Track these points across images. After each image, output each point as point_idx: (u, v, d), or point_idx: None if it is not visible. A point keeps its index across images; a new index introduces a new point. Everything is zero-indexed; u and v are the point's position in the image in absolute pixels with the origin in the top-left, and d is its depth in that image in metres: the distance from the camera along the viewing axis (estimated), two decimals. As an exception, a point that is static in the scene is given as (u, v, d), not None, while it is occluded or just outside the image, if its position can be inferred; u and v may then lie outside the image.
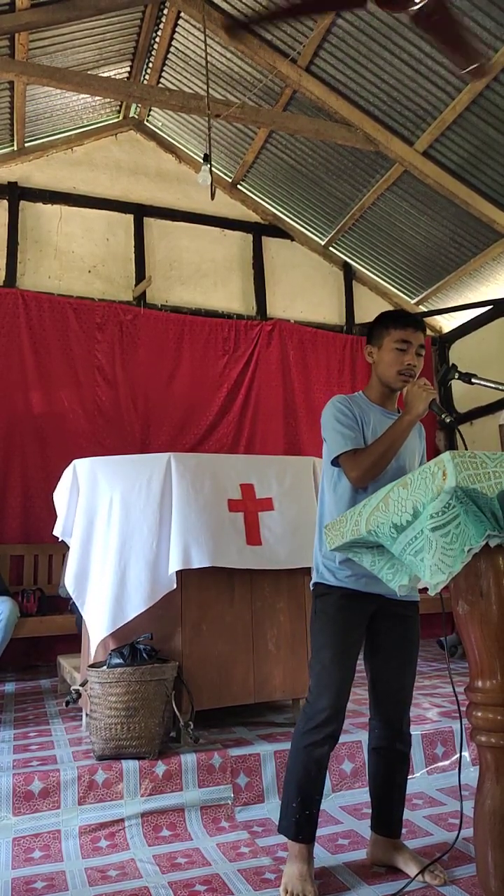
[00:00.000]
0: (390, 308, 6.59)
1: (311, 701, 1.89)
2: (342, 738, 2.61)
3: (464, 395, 6.29)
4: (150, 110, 5.86)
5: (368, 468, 1.88)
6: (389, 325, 2.02)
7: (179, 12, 4.88)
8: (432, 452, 6.26)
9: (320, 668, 1.88)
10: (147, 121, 5.99)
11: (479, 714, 1.31)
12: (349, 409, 1.98)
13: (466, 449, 1.36)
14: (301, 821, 1.84)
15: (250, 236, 6.25)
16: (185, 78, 5.41)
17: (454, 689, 1.89)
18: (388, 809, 1.99)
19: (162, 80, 5.55)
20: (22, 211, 5.47)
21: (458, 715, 2.97)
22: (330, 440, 1.97)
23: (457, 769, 2.70)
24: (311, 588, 2.01)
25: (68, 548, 2.94)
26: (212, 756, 2.45)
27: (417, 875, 1.86)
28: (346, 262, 6.50)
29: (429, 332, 6.73)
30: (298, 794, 1.85)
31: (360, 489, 1.93)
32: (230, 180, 6.14)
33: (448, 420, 1.90)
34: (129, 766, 2.36)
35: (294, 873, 1.82)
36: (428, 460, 1.25)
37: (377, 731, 2.01)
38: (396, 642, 1.97)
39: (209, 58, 4.80)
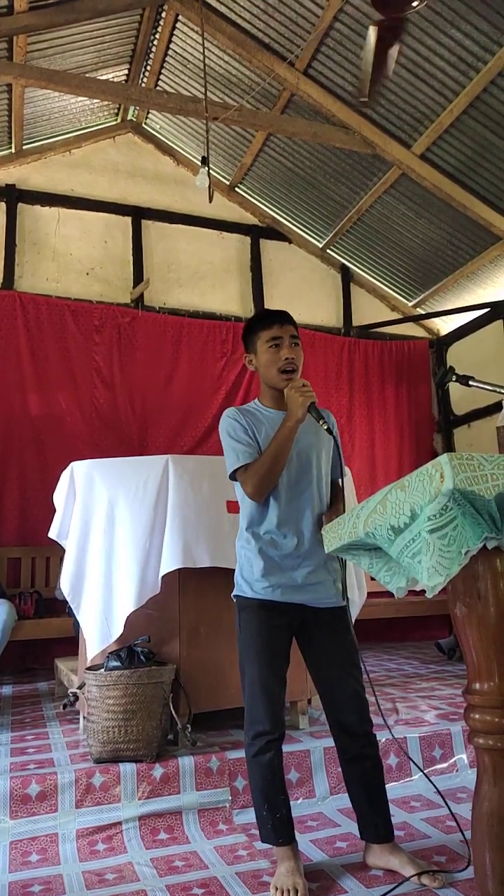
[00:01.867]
0: (388, 310, 6.64)
1: (247, 712, 1.92)
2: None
3: (461, 398, 6.29)
4: (148, 113, 5.87)
5: (259, 482, 1.91)
6: (256, 327, 2.05)
7: (177, 15, 4.89)
8: (429, 455, 6.27)
9: (250, 681, 1.91)
10: (145, 123, 6.00)
11: (477, 716, 1.31)
12: (239, 422, 1.99)
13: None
14: (276, 825, 1.88)
15: (248, 239, 6.26)
16: (183, 81, 5.42)
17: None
18: (373, 816, 1.96)
19: (160, 82, 5.56)
20: (20, 213, 5.47)
21: (455, 717, 2.97)
22: (226, 456, 1.99)
23: (455, 771, 2.70)
24: (234, 600, 2.04)
25: (64, 550, 2.94)
26: (209, 759, 2.45)
27: (413, 876, 1.86)
28: (343, 265, 6.51)
29: (426, 334, 6.75)
30: (264, 800, 1.89)
31: (266, 500, 1.96)
32: (228, 183, 6.15)
33: (325, 428, 1.90)
34: (127, 769, 2.36)
35: (282, 871, 1.86)
36: (425, 463, 1.25)
37: (340, 739, 1.99)
38: (331, 648, 1.97)
39: (207, 61, 4.81)
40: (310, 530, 1.98)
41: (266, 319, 2.04)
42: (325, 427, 1.91)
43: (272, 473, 1.91)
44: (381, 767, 2.00)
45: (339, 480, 2.11)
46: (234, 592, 2.03)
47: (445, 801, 2.02)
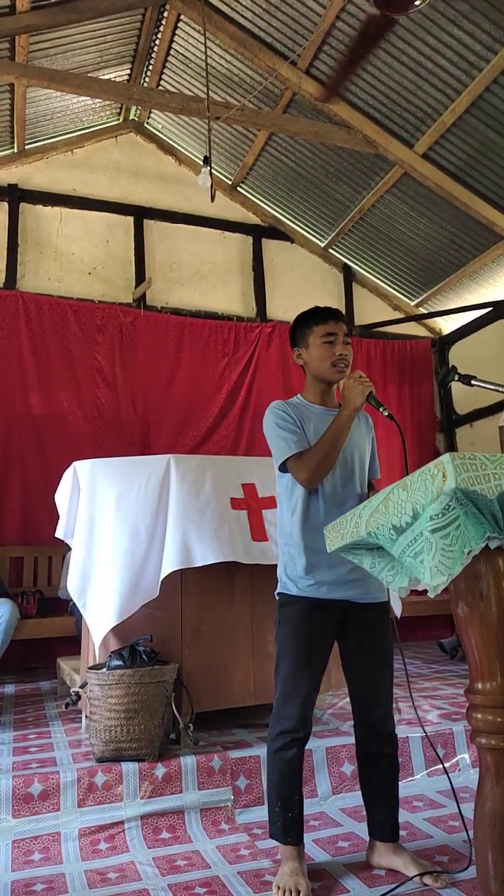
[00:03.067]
0: (390, 309, 6.63)
1: (277, 707, 1.92)
2: (341, 741, 2.62)
3: (464, 397, 6.29)
4: (150, 113, 5.87)
5: (315, 468, 1.89)
6: (311, 322, 2.04)
7: (179, 15, 4.89)
8: (431, 454, 6.26)
9: (284, 678, 1.91)
10: (147, 123, 6.00)
11: (480, 716, 1.31)
12: (287, 413, 1.99)
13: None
14: (286, 823, 1.88)
15: (250, 238, 6.26)
16: (185, 80, 5.42)
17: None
18: (383, 814, 1.98)
19: (162, 82, 5.56)
20: (22, 213, 5.47)
21: (458, 717, 2.97)
22: (274, 447, 1.98)
23: (457, 771, 2.70)
24: (276, 597, 2.03)
25: (70, 549, 2.94)
26: (211, 758, 2.45)
27: (416, 876, 1.86)
28: (345, 264, 6.51)
29: (428, 333, 6.74)
30: (278, 798, 1.89)
31: (312, 494, 1.95)
32: (230, 182, 6.14)
33: (386, 413, 1.91)
34: (129, 768, 2.36)
35: (285, 871, 1.86)
36: (427, 462, 1.25)
37: (362, 736, 2.00)
38: (368, 645, 1.97)
39: (209, 60, 4.81)
40: None
41: (321, 314, 2.04)
42: (387, 413, 1.91)
43: (328, 460, 1.89)
44: (398, 767, 2.01)
45: (373, 480, 2.12)
46: (278, 590, 2.01)
47: (457, 803, 2.02)
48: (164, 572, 2.60)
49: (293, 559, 1.96)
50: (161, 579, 2.61)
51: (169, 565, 2.59)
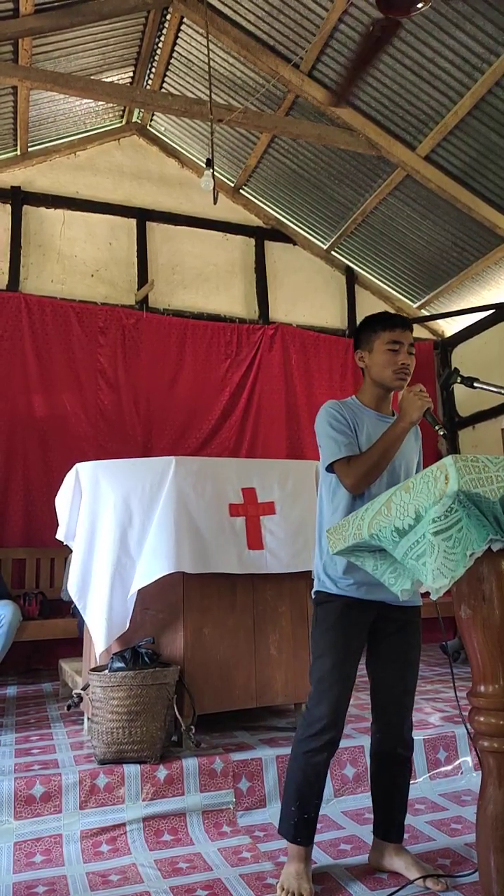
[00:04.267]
0: (392, 311, 6.62)
1: (310, 708, 1.90)
2: (344, 743, 2.61)
3: (466, 400, 6.28)
4: (152, 115, 5.88)
5: (363, 475, 1.89)
6: (378, 327, 2.03)
7: (182, 17, 4.90)
8: (434, 457, 6.25)
9: (320, 676, 1.89)
10: (150, 125, 6.01)
11: (482, 719, 1.31)
12: (342, 415, 1.98)
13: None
14: (299, 824, 1.87)
15: (252, 240, 6.26)
16: (188, 83, 5.43)
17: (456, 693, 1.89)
18: (389, 814, 1.98)
19: (165, 84, 5.57)
20: (25, 215, 5.48)
21: (460, 720, 2.96)
22: (324, 446, 1.98)
23: (459, 774, 2.69)
24: (313, 596, 2.02)
25: (71, 551, 2.94)
26: (213, 760, 2.45)
27: (418, 880, 1.85)
28: (348, 266, 6.51)
29: (431, 335, 6.74)
30: (297, 798, 1.88)
31: (357, 498, 1.94)
32: (233, 185, 6.15)
33: (442, 433, 1.88)
34: (131, 770, 2.36)
35: (291, 872, 1.86)
36: (430, 465, 1.25)
37: (379, 735, 2.01)
38: (397, 647, 1.97)
39: (212, 63, 4.82)
40: None
41: (390, 321, 2.03)
42: (442, 432, 1.88)
43: (377, 469, 1.90)
44: (410, 770, 2.01)
45: None
46: (316, 588, 2.00)
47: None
48: (156, 575, 2.59)
49: (333, 558, 1.95)
50: (151, 581, 2.61)
51: (171, 566, 2.59)
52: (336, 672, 1.87)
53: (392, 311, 2.08)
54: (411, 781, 2.34)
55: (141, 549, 2.68)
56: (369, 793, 2.07)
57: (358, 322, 6.59)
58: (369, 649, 2.02)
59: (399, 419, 1.90)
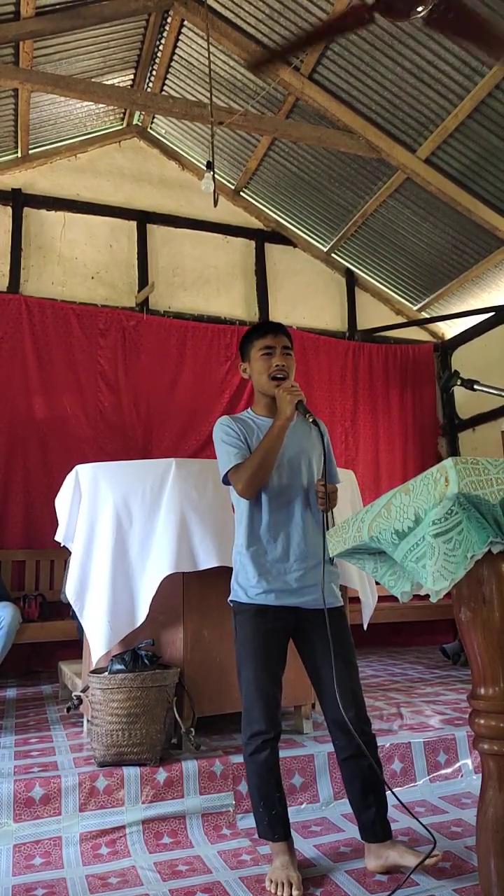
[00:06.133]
0: (392, 314, 6.64)
1: (244, 713, 1.98)
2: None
3: (466, 402, 6.29)
4: (153, 118, 5.90)
5: (250, 478, 1.97)
6: (251, 337, 2.15)
7: (183, 20, 4.91)
8: (434, 459, 6.26)
9: (246, 683, 1.97)
10: (150, 128, 6.02)
11: (482, 721, 1.31)
12: (232, 428, 2.07)
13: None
14: (273, 821, 1.94)
15: (253, 243, 6.27)
16: (189, 86, 5.44)
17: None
18: (371, 815, 1.97)
19: (165, 87, 5.58)
20: (26, 217, 5.49)
21: (460, 722, 2.96)
22: (219, 459, 2.07)
23: (460, 777, 2.69)
24: (230, 605, 2.08)
25: (69, 553, 2.94)
26: (213, 763, 2.45)
27: (417, 866, 1.84)
28: (348, 269, 6.52)
29: (431, 338, 6.74)
30: (260, 798, 1.95)
31: (255, 504, 2.02)
32: (233, 187, 6.16)
33: (311, 419, 1.97)
34: (131, 772, 2.35)
35: (277, 865, 1.92)
36: (430, 467, 1.25)
37: (337, 740, 2.00)
38: (326, 647, 1.97)
39: (212, 65, 4.83)
40: (300, 535, 2.03)
41: (260, 329, 2.15)
42: (311, 419, 1.99)
43: (262, 470, 1.97)
44: (379, 767, 1.99)
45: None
46: (231, 598, 2.08)
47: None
48: (164, 574, 2.59)
49: (243, 567, 2.03)
50: (160, 581, 2.61)
51: (170, 567, 2.59)
52: (260, 677, 1.95)
53: (265, 321, 2.19)
54: (412, 784, 2.33)
55: (141, 551, 2.68)
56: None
57: (359, 324, 6.66)
58: (301, 656, 2.07)
59: (276, 417, 1.99)
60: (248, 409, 2.20)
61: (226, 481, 2.06)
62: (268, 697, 1.94)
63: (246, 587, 2.01)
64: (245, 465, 1.98)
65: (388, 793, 1.97)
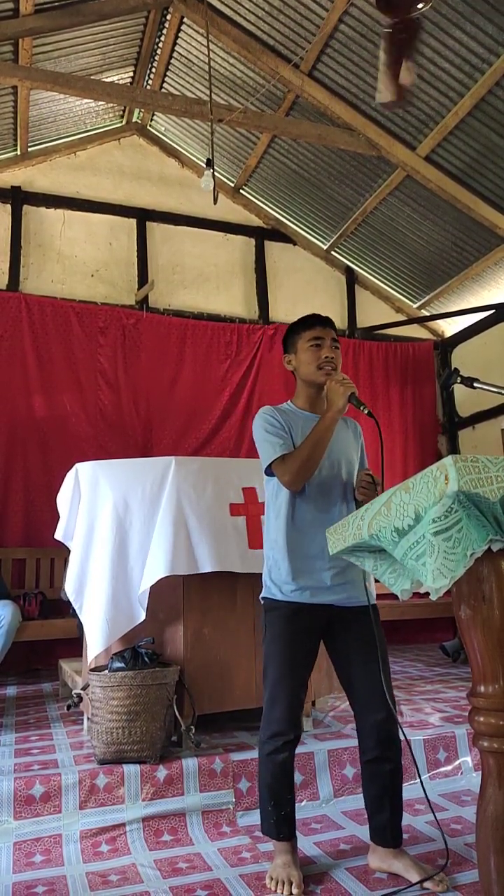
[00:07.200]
0: (392, 312, 6.63)
1: (266, 711, 1.95)
2: (344, 743, 2.62)
3: (466, 400, 6.28)
4: (153, 115, 5.89)
5: (298, 469, 1.93)
6: (299, 329, 2.11)
7: (182, 17, 4.90)
8: (434, 457, 6.26)
9: (272, 681, 1.94)
10: (150, 125, 6.01)
11: (482, 719, 1.31)
12: (275, 419, 2.03)
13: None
14: (279, 821, 1.93)
15: (253, 241, 6.26)
16: (188, 83, 5.43)
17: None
18: (384, 820, 1.96)
19: (165, 84, 5.57)
20: (25, 215, 5.48)
21: (460, 720, 2.96)
22: (261, 451, 2.02)
23: (459, 774, 2.69)
24: (261, 602, 2.05)
25: (69, 551, 2.94)
26: (213, 761, 2.45)
27: (417, 883, 1.85)
28: (348, 267, 6.51)
29: (431, 336, 6.74)
30: (271, 797, 1.94)
31: (297, 498, 1.98)
32: (233, 185, 6.15)
33: (366, 412, 1.94)
34: (131, 770, 2.36)
35: (278, 863, 1.92)
36: (430, 465, 1.25)
37: (365, 740, 1.99)
38: (356, 645, 1.97)
39: (212, 63, 4.82)
40: None
41: (309, 321, 2.10)
42: (367, 411, 1.94)
43: (311, 462, 1.92)
44: (401, 772, 1.99)
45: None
46: (263, 594, 2.04)
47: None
48: (159, 575, 2.59)
49: (277, 564, 1.99)
50: (154, 582, 2.60)
51: (170, 568, 2.59)
52: (287, 677, 1.92)
53: (312, 313, 2.15)
54: (411, 782, 2.34)
55: (140, 549, 2.68)
56: (368, 794, 2.07)
57: (358, 322, 6.64)
58: (332, 656, 2.04)
59: (326, 409, 1.95)
60: (288, 402, 2.14)
61: (268, 472, 2.00)
62: (292, 698, 1.92)
63: (280, 584, 1.97)
64: (293, 456, 1.94)
65: (421, 793, 1.96)
